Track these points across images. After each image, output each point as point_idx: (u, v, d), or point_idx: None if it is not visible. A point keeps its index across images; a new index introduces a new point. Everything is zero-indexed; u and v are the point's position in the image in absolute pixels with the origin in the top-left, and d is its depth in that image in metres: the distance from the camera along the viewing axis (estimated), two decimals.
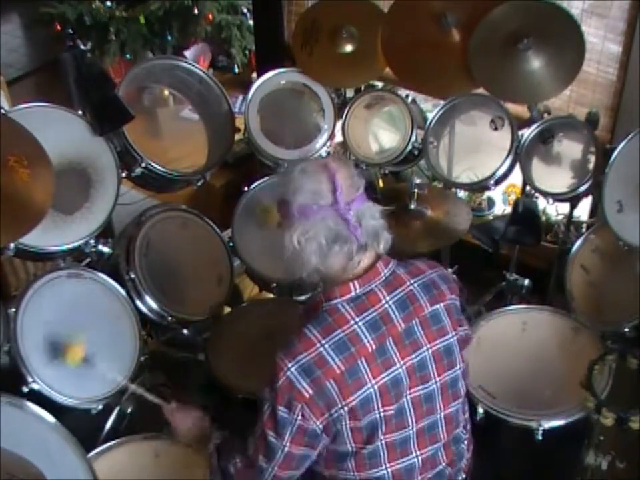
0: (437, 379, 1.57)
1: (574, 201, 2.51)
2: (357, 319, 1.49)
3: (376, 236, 1.51)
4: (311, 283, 1.55)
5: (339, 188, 1.45)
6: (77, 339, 1.99)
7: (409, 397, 1.54)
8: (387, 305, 1.51)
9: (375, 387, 1.48)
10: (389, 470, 1.57)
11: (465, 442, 1.72)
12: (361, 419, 1.49)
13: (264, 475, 1.57)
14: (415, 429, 1.57)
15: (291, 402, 1.46)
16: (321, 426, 1.48)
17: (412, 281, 1.56)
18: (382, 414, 1.51)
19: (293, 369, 1.45)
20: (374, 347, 1.48)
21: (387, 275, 1.54)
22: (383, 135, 2.91)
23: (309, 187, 1.45)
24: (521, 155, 2.45)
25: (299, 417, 1.46)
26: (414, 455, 1.59)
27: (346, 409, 1.47)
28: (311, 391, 1.45)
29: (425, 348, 1.54)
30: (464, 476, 1.75)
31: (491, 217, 3.24)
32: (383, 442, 1.54)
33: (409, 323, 1.52)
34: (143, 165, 2.34)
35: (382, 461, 1.56)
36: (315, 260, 1.48)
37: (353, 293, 1.50)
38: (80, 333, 2.01)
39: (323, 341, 1.46)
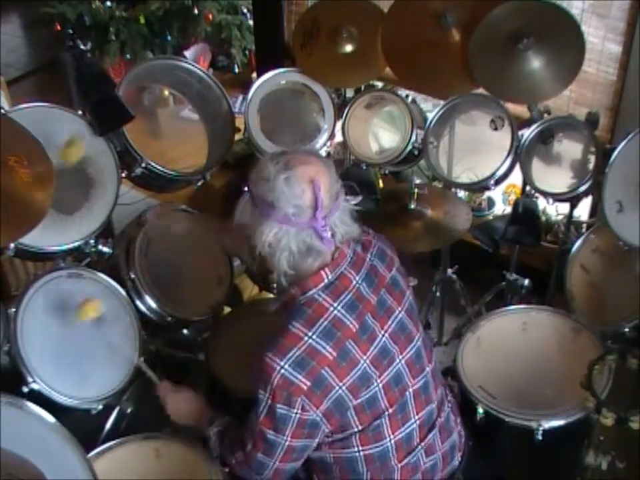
0: (417, 334, 1.65)
1: (574, 200, 2.51)
2: (335, 304, 1.53)
3: (348, 237, 1.56)
4: (279, 283, 1.57)
5: (320, 205, 1.45)
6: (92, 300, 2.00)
7: (402, 361, 1.60)
8: (358, 285, 1.56)
9: (367, 361, 1.53)
10: (392, 441, 1.61)
11: (449, 404, 1.78)
12: (362, 395, 1.53)
13: (264, 470, 1.59)
14: (412, 391, 1.63)
15: (289, 398, 1.47)
16: (320, 414, 1.50)
17: (369, 255, 1.63)
18: (380, 385, 1.56)
19: (286, 366, 1.47)
20: (357, 326, 1.53)
21: (351, 255, 1.59)
22: (382, 135, 2.91)
23: (291, 201, 1.45)
24: (521, 155, 2.45)
25: (299, 411, 1.48)
26: (413, 420, 1.64)
27: (344, 388, 1.50)
28: (308, 383, 1.47)
29: (397, 311, 1.61)
30: (459, 456, 1.76)
31: (490, 217, 3.24)
32: (387, 413, 1.58)
33: (378, 295, 1.58)
34: (143, 165, 2.34)
35: (386, 432, 1.60)
36: (284, 265, 1.51)
37: (326, 280, 1.54)
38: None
39: (310, 333, 1.49)
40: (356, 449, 1.60)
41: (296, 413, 1.48)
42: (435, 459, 1.70)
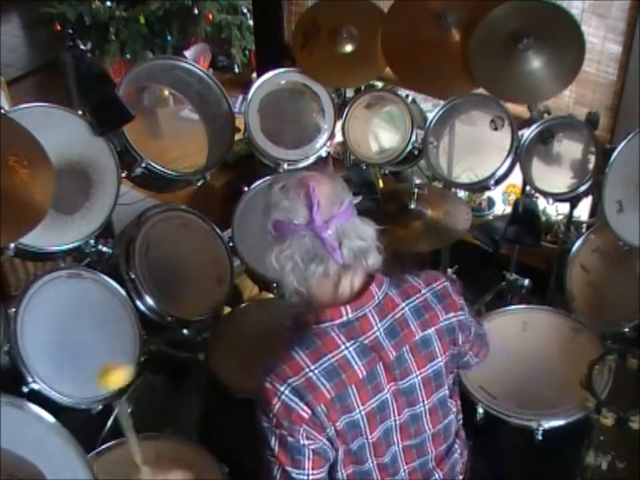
0: (426, 402, 1.55)
1: (574, 200, 2.51)
2: (348, 344, 1.45)
3: (361, 257, 1.45)
4: (296, 304, 1.50)
5: (316, 205, 1.39)
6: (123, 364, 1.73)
7: (397, 419, 1.52)
8: (378, 333, 1.47)
9: (363, 412, 1.46)
10: None
11: (458, 451, 1.70)
12: (349, 443, 1.47)
13: None
14: (401, 447, 1.56)
15: (292, 427, 1.41)
16: (327, 442, 1.45)
17: (404, 304, 1.51)
18: (370, 439, 1.49)
19: (286, 392, 1.41)
20: (364, 373, 1.46)
21: (380, 297, 1.48)
22: (383, 135, 2.91)
23: (284, 204, 1.42)
24: (521, 155, 2.45)
25: (305, 440, 1.42)
26: (402, 469, 1.59)
27: (334, 429, 1.44)
28: (309, 411, 1.42)
29: (414, 374, 1.51)
30: (460, 478, 1.75)
31: (490, 217, 3.24)
32: (374, 463, 1.53)
33: (399, 351, 1.49)
34: (143, 165, 2.34)
35: (374, 476, 1.55)
36: (292, 280, 1.44)
37: (344, 318, 1.45)
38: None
39: (312, 367, 1.43)
40: None
41: (303, 444, 1.42)
42: None
